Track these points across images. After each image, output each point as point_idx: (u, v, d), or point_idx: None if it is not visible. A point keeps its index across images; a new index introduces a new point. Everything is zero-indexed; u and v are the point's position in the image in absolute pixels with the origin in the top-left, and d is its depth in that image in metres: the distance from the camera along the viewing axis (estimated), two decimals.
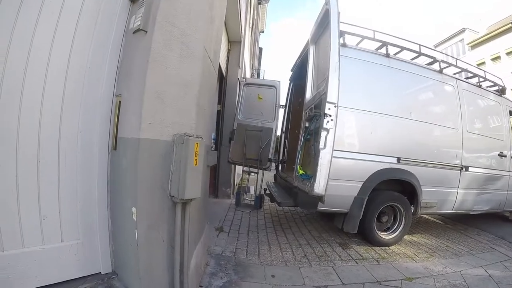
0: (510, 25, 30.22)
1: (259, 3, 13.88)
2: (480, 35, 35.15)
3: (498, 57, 31.65)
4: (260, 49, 20.43)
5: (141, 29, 2.08)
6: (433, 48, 5.45)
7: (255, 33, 14.32)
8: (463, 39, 36.70)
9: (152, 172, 2.06)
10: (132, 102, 2.09)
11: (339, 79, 3.43)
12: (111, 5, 2.32)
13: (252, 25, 11.57)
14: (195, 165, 2.12)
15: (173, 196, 2.12)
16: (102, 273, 2.33)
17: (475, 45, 34.66)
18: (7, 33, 1.85)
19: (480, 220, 6.80)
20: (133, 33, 2.22)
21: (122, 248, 2.24)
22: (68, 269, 2.19)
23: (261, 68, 20.13)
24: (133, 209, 2.00)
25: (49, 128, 2.03)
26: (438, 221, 6.94)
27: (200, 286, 2.66)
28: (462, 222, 6.75)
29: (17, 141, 1.90)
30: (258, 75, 17.77)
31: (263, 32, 20.29)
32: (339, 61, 3.46)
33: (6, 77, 1.84)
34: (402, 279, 3.33)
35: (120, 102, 2.23)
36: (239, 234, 4.50)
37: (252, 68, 14.74)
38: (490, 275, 3.66)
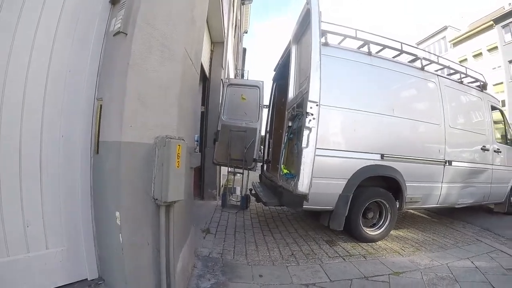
0: (491, 22, 31.06)
1: (243, 3, 13.96)
2: (462, 32, 35.99)
3: (480, 54, 32.61)
4: (244, 50, 20.53)
5: (121, 32, 2.07)
6: (415, 46, 5.54)
7: (238, 34, 14.38)
8: (445, 36, 37.73)
9: (134, 176, 2.06)
10: (113, 105, 2.08)
11: (320, 78, 3.50)
12: (92, 7, 2.30)
13: (236, 25, 11.62)
14: (178, 167, 2.13)
15: (157, 199, 2.12)
16: (88, 279, 2.29)
17: (457, 42, 35.56)
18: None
19: (465, 213, 6.99)
20: (114, 35, 2.21)
21: (108, 253, 2.22)
22: (54, 276, 2.16)
23: (245, 68, 20.21)
24: (117, 213, 1.99)
25: (30, 134, 2.01)
26: (424, 215, 7.13)
27: None
28: (448, 216, 6.93)
29: None
30: (242, 76, 17.81)
31: (246, 32, 20.39)
32: (320, 60, 3.53)
33: None
34: (389, 274, 3.41)
35: (101, 105, 2.21)
36: (225, 235, 4.53)
37: (236, 69, 14.79)
38: (476, 267, 3.79)
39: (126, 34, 2.08)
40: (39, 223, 2.09)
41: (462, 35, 35.44)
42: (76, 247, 2.25)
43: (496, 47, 30.71)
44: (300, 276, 3.22)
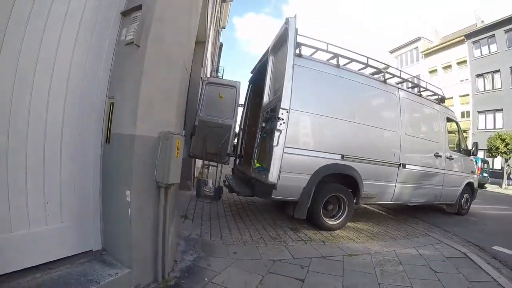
0: (462, 37, 33.13)
1: (224, 1, 14.32)
2: (434, 44, 37.93)
3: (450, 66, 35.02)
4: (221, 45, 20.92)
5: (134, 44, 2.57)
6: (380, 61, 6.27)
7: (217, 30, 14.77)
8: (417, 47, 39.60)
9: (142, 162, 2.56)
10: (126, 104, 2.57)
11: (291, 89, 4.23)
12: (106, 18, 2.74)
13: (215, 22, 12.00)
14: (177, 157, 2.66)
15: (158, 182, 2.64)
16: (93, 250, 2.73)
17: (428, 53, 37.73)
18: (17, 44, 2.18)
19: (420, 212, 7.91)
20: (125, 44, 2.68)
21: (114, 227, 2.69)
22: (66, 247, 2.58)
23: (221, 65, 20.63)
24: (127, 192, 2.49)
25: (53, 126, 2.42)
26: (381, 212, 7.94)
27: (174, 261, 3.18)
28: (404, 213, 7.78)
29: (26, 138, 2.27)
30: (217, 71, 18.21)
31: (224, 28, 20.77)
32: (292, 74, 4.24)
33: (16, 85, 2.18)
34: (343, 255, 4.06)
35: (112, 103, 2.69)
36: (202, 221, 5.05)
37: (212, 65, 15.17)
38: (420, 254, 4.48)
39: (139, 46, 2.57)
40: (56, 201, 2.50)
41: (434, 47, 37.58)
42: (84, 222, 2.69)
43: (465, 61, 33.10)
44: (268, 254, 3.83)
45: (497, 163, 28.30)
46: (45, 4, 2.29)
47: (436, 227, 6.56)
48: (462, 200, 8.33)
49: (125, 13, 2.81)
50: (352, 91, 5.56)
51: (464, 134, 27.08)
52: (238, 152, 7.27)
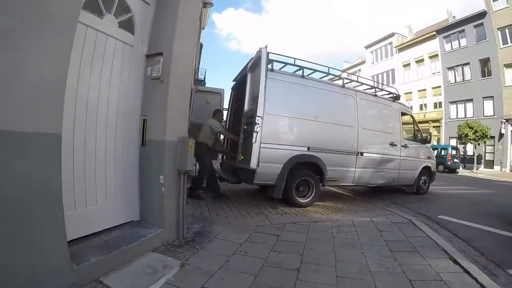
0: (434, 32, 35.46)
1: (204, 7, 15.53)
2: (407, 39, 40.27)
3: (422, 60, 37.29)
4: (201, 45, 22.10)
5: (160, 80, 3.99)
6: (339, 69, 7.87)
7: (199, 32, 15.96)
8: (391, 42, 41.54)
9: (170, 157, 4.01)
10: (156, 120, 4.00)
11: (264, 101, 5.97)
12: (138, 60, 4.12)
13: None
14: (191, 152, 4.13)
15: (179, 170, 4.11)
16: (134, 220, 4.11)
17: (402, 48, 39.92)
18: (85, 90, 3.40)
19: (383, 193, 9.56)
20: (152, 79, 4.09)
21: (148, 203, 4.09)
22: (118, 218, 3.90)
23: (203, 66, 21.74)
24: (161, 177, 3.93)
25: (110, 134, 3.76)
26: (349, 194, 9.59)
27: (187, 227, 4.60)
28: (368, 195, 9.47)
29: (95, 143, 3.56)
30: (196, 73, 19.42)
31: (204, 29, 21.97)
32: (264, 91, 6.02)
33: (88, 114, 3.43)
34: (310, 222, 5.55)
35: (145, 119, 4.11)
36: (200, 204, 6.49)
37: (194, 67, 16.41)
38: (372, 220, 5.93)
39: (163, 81, 3.99)
40: (112, 186, 3.81)
41: (407, 42, 39.89)
42: (129, 201, 4.05)
43: (436, 55, 35.54)
44: (253, 222, 5.34)
45: (470, 149, 30.43)
46: (99, 58, 3.62)
47: (395, 204, 8.01)
48: (421, 182, 9.98)
49: (148, 56, 4.20)
50: (315, 95, 7.12)
51: (437, 124, 29.10)
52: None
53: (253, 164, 5.99)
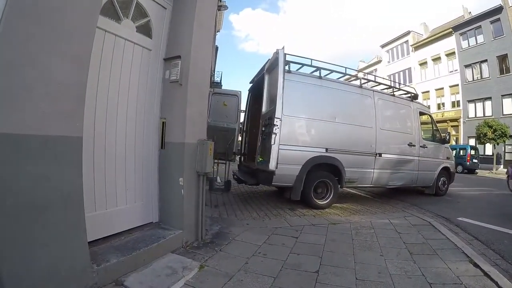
0: (450, 30, 34.75)
1: (219, 10, 15.66)
2: (423, 37, 39.58)
3: (439, 58, 36.56)
4: (216, 48, 22.25)
5: (179, 83, 3.99)
6: (356, 69, 7.79)
7: (214, 35, 16.08)
8: (407, 40, 41.13)
9: (189, 159, 4.00)
10: (175, 123, 4.00)
11: (282, 104, 5.94)
12: (155, 63, 4.14)
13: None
14: (210, 155, 4.12)
15: (198, 172, 4.10)
16: (153, 222, 4.13)
17: (418, 46, 39.30)
18: (105, 94, 3.45)
19: (402, 194, 9.40)
20: (170, 82, 4.10)
21: (167, 205, 4.10)
22: (138, 219, 3.93)
23: (219, 69, 21.89)
24: (180, 179, 3.92)
25: (129, 137, 3.79)
26: (367, 196, 9.42)
27: (206, 229, 4.59)
28: (387, 196, 9.26)
29: (115, 146, 3.59)
30: (213, 75, 19.52)
31: (219, 31, 22.14)
32: (283, 93, 5.97)
33: (108, 116, 3.47)
34: (328, 224, 5.48)
35: (164, 122, 4.11)
36: (218, 206, 6.49)
37: (211, 69, 16.52)
38: (391, 222, 5.81)
39: (181, 85, 3.99)
40: (132, 188, 3.84)
41: (423, 40, 39.16)
42: (148, 202, 4.07)
43: (453, 53, 34.74)
44: (271, 224, 5.30)
45: (489, 149, 29.69)
46: (118, 63, 3.63)
47: (414, 206, 7.87)
48: (439, 183, 9.76)
49: (166, 59, 4.21)
50: (332, 96, 7.07)
51: (455, 123, 28.55)
52: (242, 151, 8.80)
53: (272, 165, 5.97)
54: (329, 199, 6.93)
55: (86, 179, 2.81)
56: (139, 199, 3.96)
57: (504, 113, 29.29)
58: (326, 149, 6.68)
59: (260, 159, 6.60)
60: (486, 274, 3.51)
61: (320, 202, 6.81)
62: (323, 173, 6.87)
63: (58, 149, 2.38)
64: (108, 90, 3.45)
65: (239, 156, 8.97)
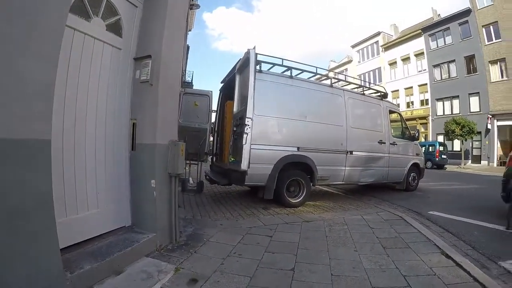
0: (419, 31, 36.22)
1: (191, 9, 15.54)
2: (393, 38, 40.99)
3: (408, 58, 38.03)
4: (188, 47, 22.11)
5: (149, 83, 3.97)
6: (327, 69, 7.94)
7: (185, 34, 15.99)
8: (378, 41, 42.42)
9: (160, 161, 4.00)
10: (146, 123, 3.99)
11: (253, 103, 5.99)
12: (126, 63, 4.10)
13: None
14: (182, 155, 4.13)
15: (170, 173, 4.10)
16: (126, 225, 4.09)
17: (388, 47, 40.64)
18: (74, 95, 3.37)
19: (374, 190, 9.69)
20: (141, 82, 4.07)
21: (140, 208, 4.06)
22: (110, 223, 3.87)
23: (190, 68, 21.78)
24: (152, 181, 3.91)
25: (99, 139, 3.73)
26: (340, 193, 9.64)
27: (180, 231, 4.59)
28: (359, 193, 9.47)
29: (84, 149, 3.53)
30: (184, 75, 19.43)
31: (190, 30, 22.01)
32: (254, 93, 6.01)
33: (77, 117, 3.40)
34: (302, 221, 5.59)
35: (134, 123, 4.09)
36: (191, 207, 6.51)
37: (182, 69, 16.42)
38: (363, 218, 6.01)
39: (152, 85, 3.97)
40: (103, 191, 3.78)
41: (393, 40, 40.62)
42: (121, 206, 4.03)
43: (422, 53, 36.23)
44: (245, 223, 5.36)
45: (457, 145, 31.12)
46: (87, 62, 3.59)
47: (386, 201, 8.13)
48: (410, 178, 10.13)
49: (137, 59, 4.18)
50: (303, 96, 7.19)
51: (424, 121, 29.73)
52: (214, 151, 8.80)
53: (244, 165, 6.03)
54: (302, 197, 7.06)
55: (56, 183, 2.76)
56: (111, 203, 3.92)
57: (471, 110, 30.86)
58: (298, 148, 6.80)
59: (232, 159, 6.65)
60: (458, 264, 3.70)
61: (293, 201, 6.93)
62: (295, 172, 6.98)
63: (26, 153, 2.34)
64: (77, 91, 3.39)
65: (211, 156, 8.96)
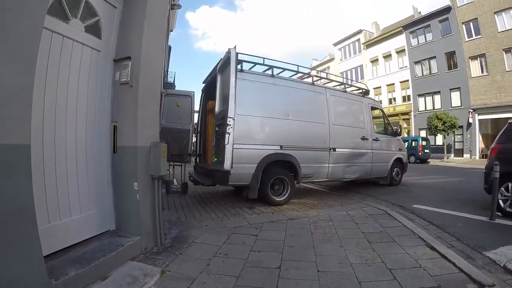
0: (400, 28, 36.90)
1: (172, 9, 15.47)
2: (374, 36, 41.72)
3: (389, 55, 38.75)
4: (169, 48, 21.99)
5: (129, 85, 3.96)
6: (309, 67, 8.02)
7: (166, 35, 15.91)
8: (359, 39, 43.16)
9: (142, 163, 3.99)
10: (127, 126, 3.97)
11: (235, 103, 6.04)
12: (105, 65, 4.06)
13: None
14: (164, 157, 4.13)
15: (153, 175, 4.09)
16: (110, 230, 4.06)
17: (369, 44, 41.31)
18: (53, 96, 3.32)
19: (358, 186, 9.84)
20: (121, 84, 4.04)
21: (123, 211, 4.05)
22: (94, 228, 3.84)
23: (172, 70, 21.66)
24: (135, 184, 3.91)
25: (80, 142, 3.69)
26: (324, 190, 9.75)
27: (164, 233, 4.59)
28: (344, 189, 9.65)
29: (65, 153, 3.50)
30: (166, 76, 19.32)
31: (172, 31, 21.89)
32: (235, 93, 6.09)
33: (56, 119, 3.38)
34: (287, 219, 5.66)
35: (115, 126, 4.07)
36: (176, 209, 6.50)
37: (163, 70, 16.34)
38: (348, 214, 6.12)
39: (132, 86, 3.96)
40: (85, 196, 3.75)
41: (374, 38, 41.40)
42: (104, 210, 4.00)
43: (403, 50, 36.97)
44: (231, 223, 5.39)
45: (439, 140, 31.60)
46: (66, 65, 3.52)
47: (370, 197, 8.29)
48: (393, 173, 10.37)
49: (116, 60, 4.14)
50: (285, 94, 7.25)
51: (407, 116, 30.31)
52: (198, 152, 8.80)
53: (227, 165, 6.06)
54: (286, 195, 7.12)
55: (37, 189, 2.74)
56: (93, 207, 3.89)
57: (453, 105, 31.65)
58: (281, 146, 6.86)
59: (215, 159, 6.66)
60: (443, 256, 3.81)
61: (277, 199, 6.99)
62: (279, 170, 7.04)
63: (5, 159, 2.31)
64: (56, 94, 3.36)
65: (195, 157, 8.97)
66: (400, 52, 37.52)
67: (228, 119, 6.12)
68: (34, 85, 2.60)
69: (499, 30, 27.65)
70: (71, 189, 3.59)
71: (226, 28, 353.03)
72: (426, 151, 27.44)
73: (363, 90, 9.59)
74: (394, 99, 38.70)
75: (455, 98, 31.66)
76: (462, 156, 30.42)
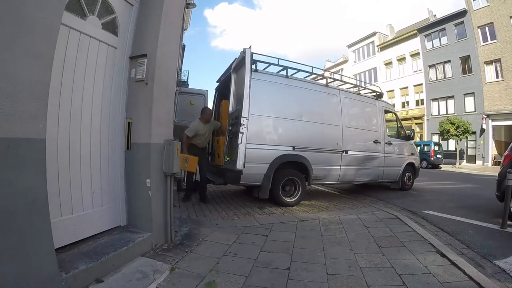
0: (415, 31, 36.58)
1: (187, 7, 15.53)
2: (389, 38, 41.34)
3: (404, 58, 38.34)
4: (183, 46, 22.09)
5: (145, 82, 3.97)
6: (322, 69, 7.95)
7: (181, 34, 16.00)
8: (373, 41, 42.80)
9: (155, 160, 3.99)
10: (141, 123, 3.98)
11: (249, 103, 6.02)
12: (121, 62, 4.08)
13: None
14: (177, 155, 4.12)
15: (165, 172, 4.09)
16: (121, 225, 4.07)
17: (384, 47, 40.95)
18: (68, 95, 3.37)
19: (369, 190, 9.80)
20: (136, 81, 4.06)
21: (135, 207, 4.06)
22: (105, 223, 3.86)
23: (187, 68, 21.78)
24: (148, 180, 3.91)
25: (95, 138, 3.73)
26: (335, 192, 9.67)
27: (175, 231, 4.59)
28: (354, 192, 9.56)
29: (79, 149, 3.53)
30: (179, 74, 19.40)
31: (186, 29, 22.00)
32: (249, 92, 6.05)
33: (72, 118, 3.39)
34: (297, 221, 5.60)
35: (129, 123, 4.08)
36: (187, 207, 6.49)
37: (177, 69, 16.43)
38: (359, 217, 6.04)
39: (147, 84, 3.97)
40: (98, 191, 3.77)
41: (389, 41, 41.00)
42: (116, 205, 4.02)
43: (418, 53, 36.53)
44: (241, 223, 5.36)
45: (452, 145, 31.37)
46: (82, 61, 3.58)
47: (381, 200, 8.21)
48: (405, 178, 10.25)
49: (132, 57, 4.16)
50: (299, 95, 7.21)
51: (419, 121, 30.03)
52: (210, 150, 8.77)
53: (239, 165, 6.04)
54: (297, 197, 7.08)
55: (51, 183, 2.76)
56: (106, 203, 3.90)
57: (466, 110, 31.18)
58: (293, 147, 6.82)
59: (228, 158, 6.66)
60: (453, 263, 3.74)
61: (288, 200, 6.95)
62: (291, 171, 7.01)
63: (21, 153, 2.31)
64: (72, 90, 3.37)
65: (207, 155, 8.95)
66: (414, 55, 37.12)
67: (242, 118, 6.12)
68: (51, 81, 2.59)
69: None
70: (84, 184, 3.60)
71: (244, 26, 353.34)
72: (439, 156, 27.11)
73: (377, 93, 9.49)
74: (407, 102, 38.29)
75: (469, 103, 31.19)
76: (475, 163, 29.98)
